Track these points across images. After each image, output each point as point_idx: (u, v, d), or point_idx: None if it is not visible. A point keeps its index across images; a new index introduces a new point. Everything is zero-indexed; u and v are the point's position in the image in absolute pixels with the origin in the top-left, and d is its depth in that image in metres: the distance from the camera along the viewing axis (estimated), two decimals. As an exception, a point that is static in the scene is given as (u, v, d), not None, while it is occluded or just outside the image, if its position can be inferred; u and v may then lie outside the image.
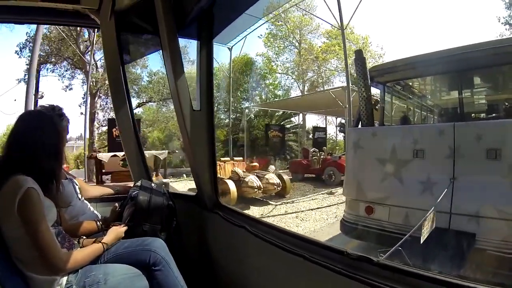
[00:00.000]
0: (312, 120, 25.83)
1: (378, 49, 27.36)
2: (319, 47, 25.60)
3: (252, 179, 9.73)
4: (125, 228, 1.99)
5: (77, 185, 2.37)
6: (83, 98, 19.98)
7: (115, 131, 12.29)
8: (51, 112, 1.85)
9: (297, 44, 26.55)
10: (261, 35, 26.43)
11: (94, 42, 18.12)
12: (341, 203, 8.97)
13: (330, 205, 9.34)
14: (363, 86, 4.73)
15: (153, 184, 2.35)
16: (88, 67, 18.27)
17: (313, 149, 15.49)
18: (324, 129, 21.44)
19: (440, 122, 6.07)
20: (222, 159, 13.53)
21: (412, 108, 6.91)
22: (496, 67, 4.51)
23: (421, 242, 3.14)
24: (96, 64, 19.94)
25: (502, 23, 18.04)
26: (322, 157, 14.36)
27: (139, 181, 2.32)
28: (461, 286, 1.02)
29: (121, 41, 2.65)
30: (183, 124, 2.16)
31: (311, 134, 21.80)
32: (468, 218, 3.52)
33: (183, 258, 2.11)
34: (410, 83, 6.08)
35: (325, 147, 16.82)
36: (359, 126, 4.92)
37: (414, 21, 38.86)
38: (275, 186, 10.14)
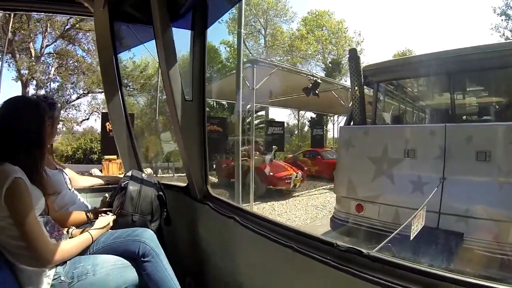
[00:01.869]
0: (283, 115, 23.17)
1: (355, 35, 26.24)
2: (287, 31, 24.32)
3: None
4: (114, 217, 1.96)
5: (67, 175, 2.33)
6: (34, 89, 19.03)
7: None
8: (38, 99, 1.80)
9: (262, 30, 25.13)
10: (222, 20, 24.08)
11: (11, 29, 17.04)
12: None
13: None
14: (356, 85, 4.75)
15: (143, 175, 2.33)
16: (3, 54, 17.09)
17: (244, 147, 11.70)
18: (281, 124, 17.37)
19: (432, 123, 6.12)
20: (106, 157, 11.34)
21: (404, 107, 6.95)
22: (488, 71, 4.56)
23: (410, 240, 3.17)
24: (30, 51, 18.91)
25: (497, 14, 17.86)
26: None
27: (130, 171, 2.30)
28: (450, 278, 1.01)
29: (114, 30, 2.63)
30: (174, 114, 2.14)
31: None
32: (457, 217, 3.57)
33: (173, 249, 2.10)
34: (403, 83, 6.12)
35: (249, 146, 11.86)
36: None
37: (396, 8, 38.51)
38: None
